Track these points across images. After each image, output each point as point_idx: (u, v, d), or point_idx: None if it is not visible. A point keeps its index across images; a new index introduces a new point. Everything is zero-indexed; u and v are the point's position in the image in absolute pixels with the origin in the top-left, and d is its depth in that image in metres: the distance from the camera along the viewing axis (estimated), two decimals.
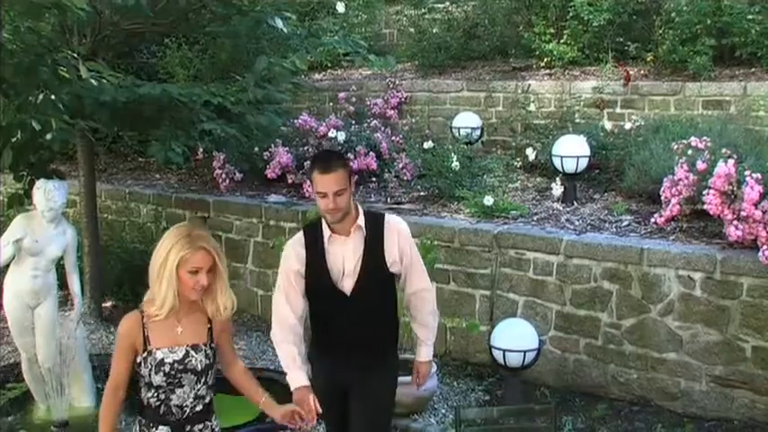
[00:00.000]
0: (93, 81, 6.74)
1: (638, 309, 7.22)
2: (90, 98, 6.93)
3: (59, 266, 7.18)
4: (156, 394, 4.03)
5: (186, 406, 4.07)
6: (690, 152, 7.72)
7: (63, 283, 7.32)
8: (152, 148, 7.51)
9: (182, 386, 4.03)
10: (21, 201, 7.67)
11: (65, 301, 7.55)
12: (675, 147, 7.93)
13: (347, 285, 4.73)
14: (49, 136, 6.60)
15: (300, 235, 4.84)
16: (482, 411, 5.38)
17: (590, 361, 7.48)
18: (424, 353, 5.19)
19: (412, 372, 5.28)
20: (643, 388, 7.24)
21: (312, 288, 4.76)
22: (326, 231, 4.72)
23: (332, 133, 9.94)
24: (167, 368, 3.98)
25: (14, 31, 6.90)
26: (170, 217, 10.44)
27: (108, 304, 9.76)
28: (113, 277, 9.84)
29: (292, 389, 4.57)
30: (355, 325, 4.77)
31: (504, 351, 7.01)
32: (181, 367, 4.00)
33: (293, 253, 4.75)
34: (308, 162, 9.71)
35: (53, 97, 6.51)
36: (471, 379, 7.84)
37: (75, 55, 7.03)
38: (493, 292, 7.96)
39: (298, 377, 4.61)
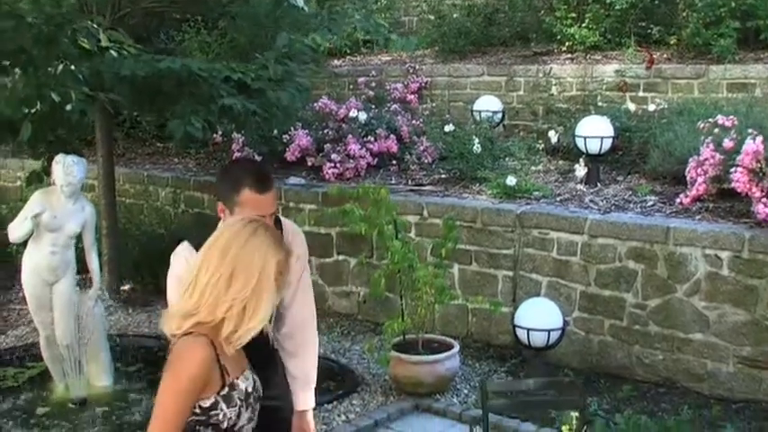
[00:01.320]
0: (113, 52, 6.65)
1: (663, 289, 7.10)
2: (109, 73, 6.86)
3: (78, 249, 7.12)
4: None
5: None
6: (716, 131, 7.61)
7: (83, 268, 7.24)
8: (171, 124, 7.42)
9: (255, 421, 3.16)
10: (39, 178, 7.63)
11: (84, 284, 7.47)
12: (702, 126, 7.81)
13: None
14: (68, 107, 6.52)
15: (192, 253, 3.53)
16: (508, 383, 5.28)
17: (614, 342, 7.37)
18: (311, 397, 4.09)
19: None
20: (669, 369, 7.13)
21: None
22: None
23: (353, 113, 9.86)
24: (251, 401, 3.11)
25: (34, 1, 6.81)
26: (188, 200, 10.39)
27: (126, 287, 9.70)
28: (131, 260, 9.80)
29: None
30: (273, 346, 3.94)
31: (529, 330, 6.93)
32: (256, 395, 3.16)
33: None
34: (328, 146, 9.66)
35: (73, 68, 6.42)
36: (493, 361, 7.74)
37: (96, 25, 6.95)
38: (516, 273, 7.86)
39: None
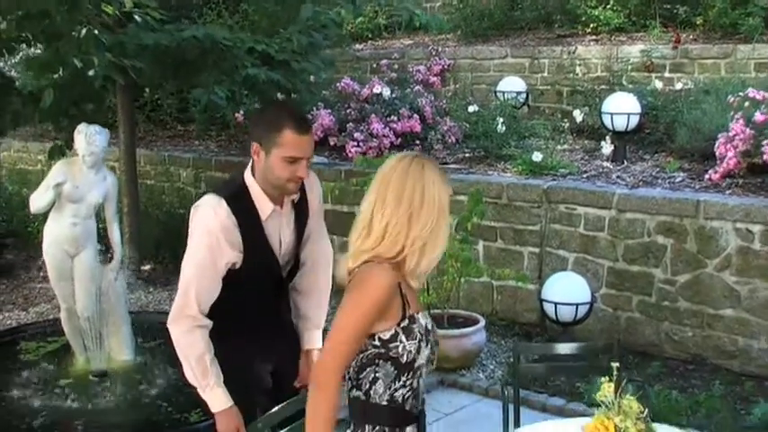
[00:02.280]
0: (137, 17, 6.57)
1: (693, 264, 6.98)
2: (132, 43, 6.78)
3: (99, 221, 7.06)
4: (410, 382, 2.98)
5: (424, 395, 3.14)
6: (746, 104, 7.49)
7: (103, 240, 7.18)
8: (195, 92, 7.35)
9: (432, 364, 3.09)
10: (62, 152, 7.56)
11: (105, 256, 7.40)
12: (731, 100, 7.71)
13: (285, 266, 3.88)
14: (91, 72, 6.43)
15: (225, 210, 3.58)
16: (541, 347, 5.17)
17: (643, 319, 7.25)
18: (320, 336, 4.07)
19: (300, 365, 4.08)
20: (698, 346, 7.00)
21: (245, 278, 3.71)
22: (267, 205, 3.68)
23: (377, 89, 9.75)
24: (431, 338, 3.03)
25: None
26: (209, 180, 10.31)
27: (147, 267, 9.65)
28: (152, 240, 9.74)
29: (219, 410, 3.70)
30: (286, 308, 4.02)
31: (556, 304, 6.83)
32: (433, 339, 3.07)
33: (221, 237, 3.58)
34: (351, 125, 9.57)
35: (96, 32, 6.34)
36: (519, 338, 7.63)
37: None
38: (542, 249, 7.74)
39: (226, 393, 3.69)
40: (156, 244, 9.72)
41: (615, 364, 3.35)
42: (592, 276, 7.38)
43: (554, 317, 6.91)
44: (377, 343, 2.89)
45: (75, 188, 6.61)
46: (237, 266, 3.66)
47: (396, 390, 2.93)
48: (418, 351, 2.93)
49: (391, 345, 2.89)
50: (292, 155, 3.51)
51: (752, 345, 6.76)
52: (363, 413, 2.97)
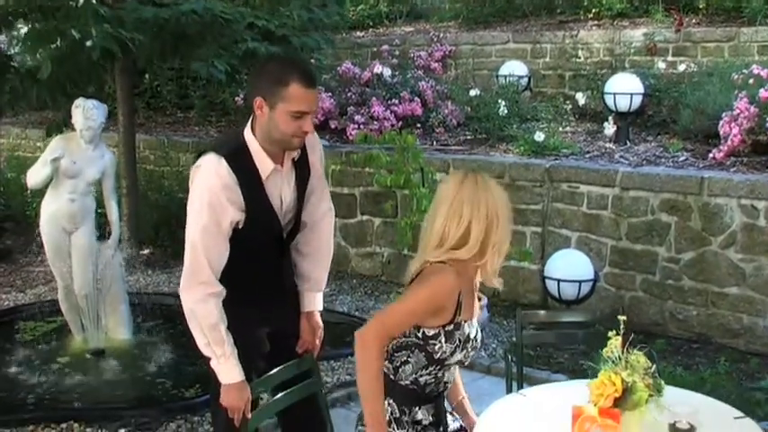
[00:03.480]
0: None
1: (697, 241, 6.90)
2: (131, 17, 6.70)
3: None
4: (435, 372, 3.31)
5: (450, 382, 3.45)
6: (751, 81, 7.41)
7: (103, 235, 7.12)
8: (195, 65, 7.28)
9: (464, 364, 3.45)
10: (59, 129, 7.49)
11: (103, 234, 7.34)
12: (736, 77, 7.64)
13: (286, 226, 3.80)
14: (89, 43, 6.35)
15: (225, 169, 3.48)
16: (546, 315, 5.09)
17: (647, 298, 7.17)
18: (320, 299, 4.05)
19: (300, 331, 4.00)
20: (703, 325, 6.93)
21: (250, 239, 3.63)
22: (267, 163, 3.58)
23: (377, 69, 9.68)
24: (469, 347, 3.34)
25: None
26: None
27: (146, 251, 9.58)
28: (151, 223, 9.68)
29: (229, 382, 3.58)
30: (287, 271, 3.92)
31: (559, 281, 6.76)
32: (476, 344, 3.38)
33: (223, 197, 3.47)
34: (352, 108, 9.49)
35: (94, 1, 6.27)
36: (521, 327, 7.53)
37: None
38: (544, 229, 7.67)
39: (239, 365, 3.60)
40: (156, 227, 9.65)
41: (622, 318, 3.28)
42: (595, 255, 7.30)
43: (557, 295, 6.83)
44: (419, 335, 3.23)
45: (72, 163, 6.54)
46: (240, 226, 3.57)
47: (421, 376, 3.27)
48: (452, 354, 3.25)
49: (431, 341, 3.21)
50: (299, 109, 3.41)
51: (757, 323, 6.68)
52: (386, 387, 3.22)
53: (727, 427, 3.26)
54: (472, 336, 3.32)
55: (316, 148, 3.81)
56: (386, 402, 3.25)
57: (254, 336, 3.79)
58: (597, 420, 3.01)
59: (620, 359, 3.16)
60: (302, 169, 3.75)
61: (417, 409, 3.32)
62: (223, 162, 3.48)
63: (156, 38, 7.23)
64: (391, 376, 3.30)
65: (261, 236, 3.67)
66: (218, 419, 3.76)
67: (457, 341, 3.24)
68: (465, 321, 3.28)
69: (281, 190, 3.68)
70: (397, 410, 3.31)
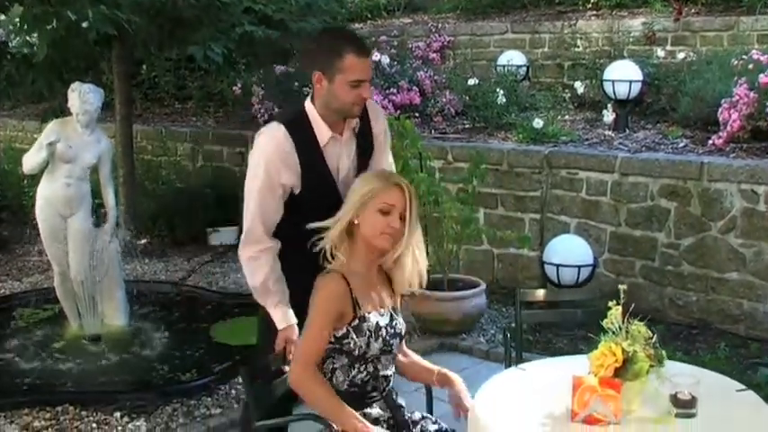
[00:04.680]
0: None
1: (697, 227, 6.87)
2: (127, 0, 6.66)
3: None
4: (365, 368, 3.34)
5: (390, 375, 3.46)
6: (750, 66, 7.37)
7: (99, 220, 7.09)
8: (191, 49, 7.23)
9: (391, 353, 3.43)
10: (55, 115, 7.43)
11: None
12: (735, 63, 7.60)
13: (342, 195, 3.72)
14: (85, 24, 6.31)
15: (282, 133, 3.65)
16: (545, 293, 5.04)
17: (646, 284, 7.14)
18: None
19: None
20: (703, 310, 6.89)
21: (307, 205, 3.70)
22: (325, 131, 3.68)
23: (375, 56, 9.62)
24: (384, 334, 3.34)
25: None
26: (207, 154, 10.22)
27: (143, 241, 9.53)
28: (149, 213, 9.63)
29: (279, 328, 3.73)
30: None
31: (558, 266, 6.73)
32: (392, 332, 3.39)
33: (278, 160, 3.61)
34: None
35: None
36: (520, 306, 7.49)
37: None
38: (543, 215, 7.63)
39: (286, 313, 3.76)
40: (153, 217, 9.60)
41: (623, 287, 3.25)
42: (594, 242, 7.27)
43: (556, 280, 6.80)
44: (332, 340, 3.28)
45: (68, 148, 6.51)
46: (297, 191, 3.70)
47: (354, 376, 3.32)
48: (368, 346, 3.29)
49: (344, 341, 3.28)
50: (356, 78, 3.54)
51: (757, 308, 6.64)
52: None
53: (729, 398, 3.23)
54: (383, 324, 3.36)
55: (379, 119, 3.92)
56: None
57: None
58: (597, 390, 2.98)
59: (620, 329, 3.13)
60: (364, 140, 3.84)
61: (370, 409, 3.34)
62: (282, 128, 3.66)
63: (152, 22, 7.20)
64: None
65: (319, 202, 3.69)
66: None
67: (366, 332, 3.29)
68: (369, 313, 3.32)
69: (338, 159, 3.77)
70: None
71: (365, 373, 3.34)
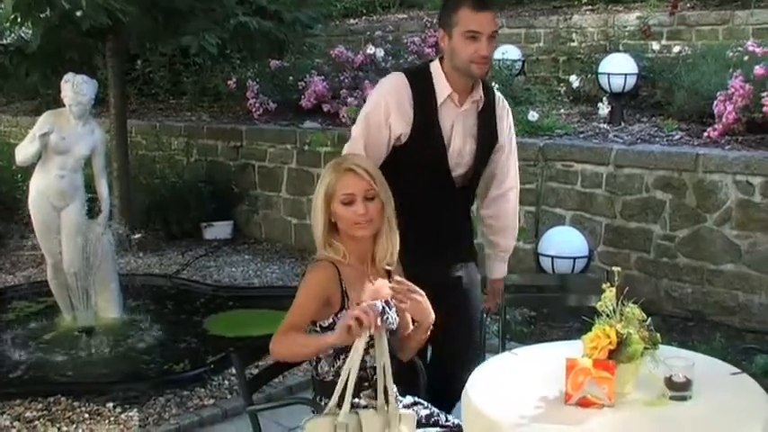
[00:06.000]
0: None
1: (692, 218, 6.85)
2: None
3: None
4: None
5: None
6: (746, 58, 7.36)
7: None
8: (185, 39, 7.22)
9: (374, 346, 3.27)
10: (48, 107, 7.41)
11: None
12: (730, 54, 7.58)
13: (454, 171, 3.81)
14: (79, 13, 6.29)
15: (402, 80, 3.74)
16: (528, 277, 5.04)
17: (641, 276, 7.11)
18: (502, 268, 4.31)
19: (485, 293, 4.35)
20: (698, 302, 6.87)
21: (414, 164, 3.74)
22: (444, 88, 3.71)
23: (370, 50, 9.62)
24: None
25: None
26: (201, 148, 10.19)
27: (138, 235, 9.50)
28: (144, 208, 9.62)
29: None
30: (452, 221, 3.95)
31: (553, 258, 6.70)
32: (384, 324, 3.25)
33: (391, 100, 3.70)
34: (345, 91, 9.44)
35: None
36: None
37: None
38: (538, 208, 7.61)
39: None
40: (147, 211, 9.59)
41: (617, 269, 3.23)
42: (589, 234, 7.24)
43: (551, 272, 6.77)
44: (317, 329, 3.24)
45: (61, 139, 6.49)
46: (403, 141, 3.74)
47: (340, 366, 3.20)
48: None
49: (329, 332, 3.16)
50: (470, 29, 3.55)
51: (752, 300, 6.62)
52: (317, 387, 3.37)
53: (723, 381, 3.20)
54: None
55: (505, 117, 3.96)
56: (326, 401, 3.22)
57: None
58: (591, 372, 2.95)
59: (614, 312, 3.11)
60: (485, 123, 3.85)
61: (357, 399, 3.26)
62: (402, 75, 3.79)
63: (146, 13, 7.18)
64: (317, 377, 3.36)
65: (425, 160, 3.76)
66: None
67: None
68: (358, 305, 3.18)
69: (453, 124, 3.77)
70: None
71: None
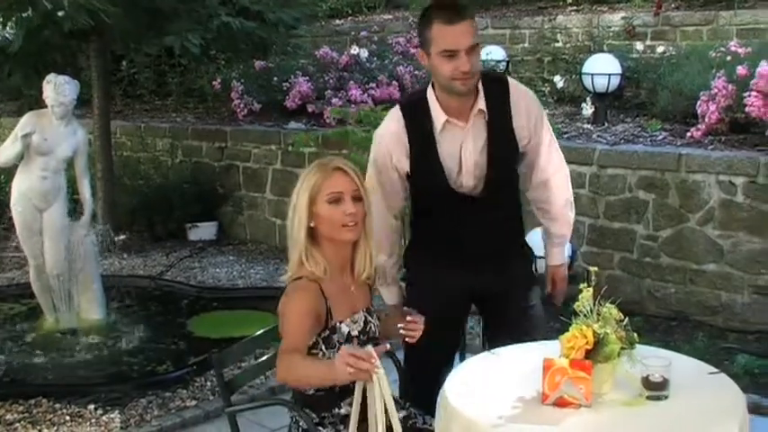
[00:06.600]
0: None
1: (675, 218, 6.86)
2: None
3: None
4: None
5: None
6: (729, 58, 7.38)
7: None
8: (168, 39, 7.21)
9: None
10: (30, 108, 7.39)
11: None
12: (714, 54, 7.61)
13: (468, 185, 3.67)
14: (60, 13, 6.28)
15: (397, 115, 3.67)
16: None
17: (624, 276, 7.13)
18: (558, 255, 4.18)
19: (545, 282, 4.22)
20: (681, 303, 6.88)
21: (421, 190, 3.76)
22: (439, 115, 3.58)
23: (354, 50, 9.61)
24: (355, 343, 3.22)
25: None
26: (186, 149, 10.17)
27: (122, 237, 9.49)
28: (128, 209, 9.60)
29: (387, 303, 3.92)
30: (480, 234, 3.75)
31: (537, 258, 6.66)
32: (364, 339, 3.29)
33: (389, 140, 3.65)
34: (329, 92, 9.44)
35: None
36: None
37: None
38: (522, 208, 7.58)
39: (389, 294, 3.92)
40: (132, 212, 9.57)
41: (593, 269, 3.24)
42: (573, 235, 7.22)
43: (534, 272, 6.76)
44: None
45: (44, 140, 6.47)
46: (410, 173, 3.68)
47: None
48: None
49: (312, 351, 3.16)
50: (446, 48, 3.38)
51: (735, 299, 6.64)
52: (298, 398, 3.33)
53: (701, 381, 3.20)
54: (355, 333, 3.26)
55: (522, 112, 3.68)
56: (304, 412, 3.26)
57: (442, 285, 3.78)
58: (568, 372, 2.95)
59: (591, 312, 3.11)
60: (500, 132, 3.64)
61: (338, 410, 3.27)
62: (398, 109, 3.69)
63: (129, 14, 7.16)
64: (298, 390, 3.33)
65: (430, 187, 3.71)
66: None
67: (336, 344, 3.19)
68: (341, 322, 3.22)
69: (461, 147, 3.62)
70: (317, 417, 3.30)
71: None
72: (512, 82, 3.72)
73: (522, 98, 3.69)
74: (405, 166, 3.65)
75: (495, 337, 3.80)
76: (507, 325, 3.88)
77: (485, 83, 3.61)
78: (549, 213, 4.02)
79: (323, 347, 3.19)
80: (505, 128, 3.64)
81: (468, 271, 3.74)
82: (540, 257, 6.55)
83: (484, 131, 3.61)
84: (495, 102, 3.61)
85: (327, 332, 3.19)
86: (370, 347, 2.94)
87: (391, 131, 3.65)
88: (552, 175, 3.88)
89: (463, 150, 3.61)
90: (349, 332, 3.24)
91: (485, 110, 3.59)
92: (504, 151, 3.68)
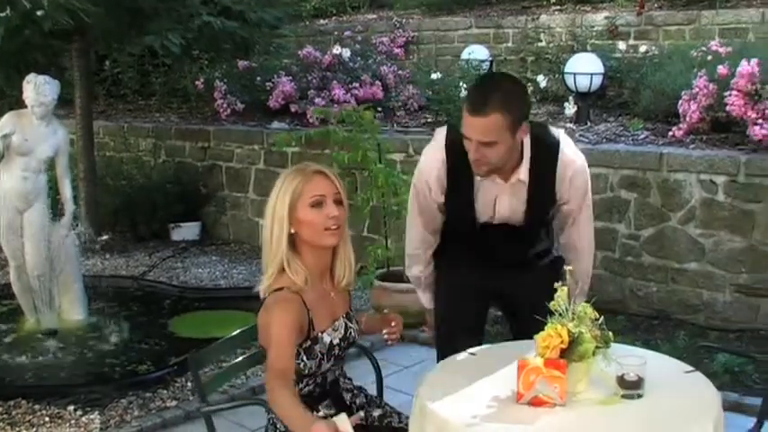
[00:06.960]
0: None
1: (657, 217, 6.87)
2: None
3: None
4: (313, 381, 3.27)
5: (341, 375, 3.42)
6: (710, 58, 7.40)
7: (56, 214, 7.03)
8: (148, 38, 7.19)
9: (342, 361, 3.40)
10: (11, 107, 7.35)
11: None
12: (695, 54, 7.63)
13: (499, 222, 3.77)
14: (40, 13, 6.25)
15: (441, 155, 3.69)
16: None
17: (606, 275, 7.13)
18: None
19: None
20: (663, 301, 6.90)
21: (451, 220, 3.88)
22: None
23: (336, 50, 9.61)
24: (336, 351, 3.28)
25: None
26: (169, 149, 10.14)
27: (104, 237, 9.45)
28: (111, 209, 9.57)
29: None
30: (508, 251, 3.86)
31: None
32: (345, 345, 3.32)
33: (428, 175, 3.73)
34: (312, 92, 9.45)
35: None
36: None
37: None
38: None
39: (426, 299, 4.30)
40: (115, 213, 9.55)
41: (568, 268, 3.24)
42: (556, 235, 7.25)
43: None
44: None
45: (24, 140, 6.44)
46: (442, 205, 3.82)
47: (301, 389, 3.18)
48: (319, 366, 3.20)
49: (298, 359, 3.13)
50: (465, 132, 3.44)
51: (716, 298, 6.66)
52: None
53: (677, 380, 3.20)
54: (336, 342, 3.26)
55: (565, 183, 3.71)
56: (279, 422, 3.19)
57: (462, 290, 4.01)
58: (542, 371, 2.95)
59: (566, 311, 3.11)
60: (539, 196, 3.71)
61: (316, 413, 3.19)
62: (443, 149, 3.71)
63: (110, 13, 7.14)
64: None
65: (457, 223, 3.88)
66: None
67: (318, 355, 3.18)
68: (323, 332, 3.20)
69: (497, 196, 3.69)
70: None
71: (312, 386, 3.26)
72: (563, 150, 3.67)
73: (569, 169, 3.69)
74: (440, 199, 3.77)
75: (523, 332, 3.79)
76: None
77: (534, 146, 3.61)
78: (573, 254, 4.10)
79: (304, 358, 3.15)
80: (545, 191, 3.71)
81: (492, 276, 3.90)
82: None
83: (523, 192, 3.67)
84: (539, 170, 3.63)
85: (309, 342, 3.15)
86: (347, 423, 2.81)
87: (432, 168, 3.72)
88: (582, 245, 4.07)
89: (498, 201, 3.69)
90: (331, 341, 3.23)
91: (525, 180, 3.63)
92: (541, 209, 3.80)
